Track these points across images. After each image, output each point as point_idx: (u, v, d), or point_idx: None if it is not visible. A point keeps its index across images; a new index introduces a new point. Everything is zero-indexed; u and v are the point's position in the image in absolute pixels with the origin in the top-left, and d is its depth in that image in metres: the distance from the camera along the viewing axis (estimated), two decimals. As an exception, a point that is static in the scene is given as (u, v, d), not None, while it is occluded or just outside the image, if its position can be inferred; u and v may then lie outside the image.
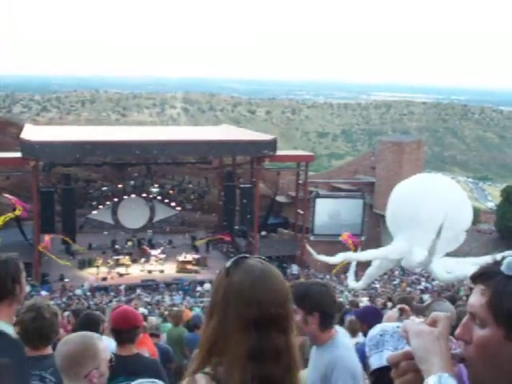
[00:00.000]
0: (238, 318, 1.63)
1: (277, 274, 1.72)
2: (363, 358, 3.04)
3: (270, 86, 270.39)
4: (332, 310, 3.08)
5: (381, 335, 2.50)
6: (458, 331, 1.36)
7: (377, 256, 13.47)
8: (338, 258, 13.66)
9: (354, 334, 5.51)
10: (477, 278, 1.37)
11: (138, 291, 28.89)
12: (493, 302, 1.31)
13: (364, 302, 15.26)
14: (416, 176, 13.81)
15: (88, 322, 5.10)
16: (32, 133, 34.07)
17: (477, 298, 1.35)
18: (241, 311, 1.63)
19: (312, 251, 15.09)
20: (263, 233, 36.54)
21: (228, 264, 1.72)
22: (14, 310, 3.06)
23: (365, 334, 4.94)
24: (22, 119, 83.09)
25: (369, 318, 5.17)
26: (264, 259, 1.74)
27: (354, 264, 13.89)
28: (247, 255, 1.74)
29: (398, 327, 2.49)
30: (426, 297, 17.38)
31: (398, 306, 4.14)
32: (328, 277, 33.28)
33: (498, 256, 1.35)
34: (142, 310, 13.22)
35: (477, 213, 63.03)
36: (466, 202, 12.19)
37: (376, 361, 2.49)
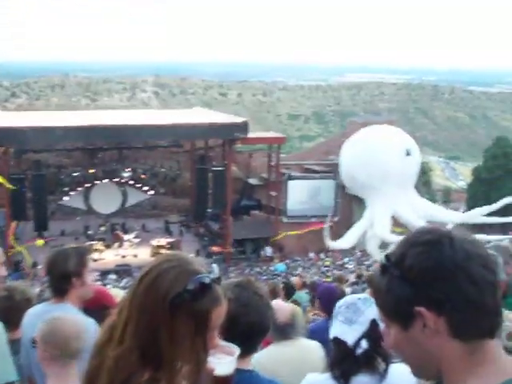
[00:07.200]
0: None
1: None
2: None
3: (240, 68, 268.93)
4: None
5: (339, 307, 2.58)
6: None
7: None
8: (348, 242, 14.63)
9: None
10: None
11: (113, 276, 28.88)
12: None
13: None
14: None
15: None
16: (1, 119, 33.63)
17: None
18: None
19: (327, 238, 15.54)
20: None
21: None
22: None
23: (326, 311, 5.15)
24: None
25: (324, 296, 5.40)
26: None
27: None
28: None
29: (358, 299, 2.57)
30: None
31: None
32: (305, 258, 33.64)
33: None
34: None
35: (448, 192, 63.92)
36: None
37: (331, 330, 2.57)
